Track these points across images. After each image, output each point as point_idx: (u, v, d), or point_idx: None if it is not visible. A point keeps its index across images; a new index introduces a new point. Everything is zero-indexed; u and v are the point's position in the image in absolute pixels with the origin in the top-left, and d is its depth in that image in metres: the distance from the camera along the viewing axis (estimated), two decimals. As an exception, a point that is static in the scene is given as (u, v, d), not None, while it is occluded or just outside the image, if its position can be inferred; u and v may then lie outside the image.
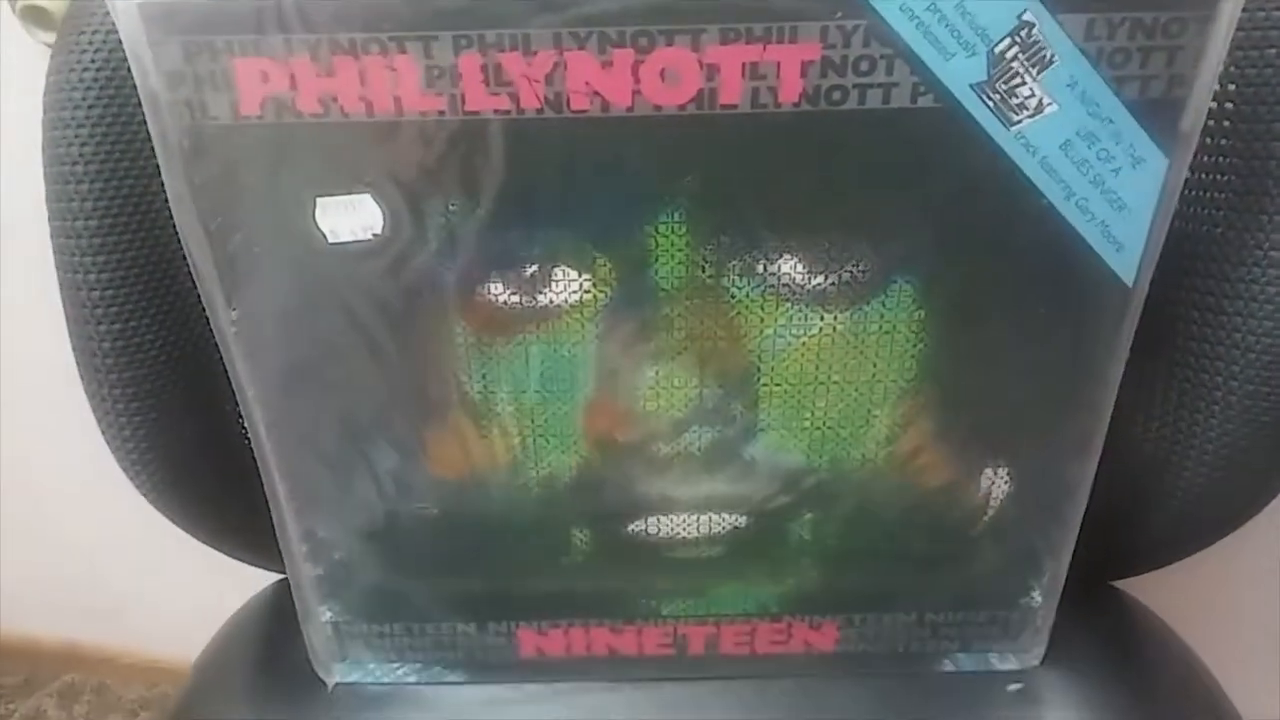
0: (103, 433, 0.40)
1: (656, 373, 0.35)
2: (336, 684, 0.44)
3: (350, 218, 0.31)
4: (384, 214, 0.31)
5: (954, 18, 0.28)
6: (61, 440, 0.40)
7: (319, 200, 0.31)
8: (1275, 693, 0.65)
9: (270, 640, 0.48)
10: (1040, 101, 0.29)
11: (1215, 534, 0.43)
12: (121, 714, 0.97)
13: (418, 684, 0.44)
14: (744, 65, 0.29)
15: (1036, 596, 0.41)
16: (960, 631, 0.43)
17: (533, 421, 0.36)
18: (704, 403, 0.36)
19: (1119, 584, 0.50)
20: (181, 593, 0.74)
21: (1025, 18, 0.28)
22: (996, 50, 0.29)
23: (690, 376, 0.35)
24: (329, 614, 0.42)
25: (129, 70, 0.29)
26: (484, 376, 0.35)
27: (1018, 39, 0.29)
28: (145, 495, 0.42)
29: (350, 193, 0.31)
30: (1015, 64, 0.29)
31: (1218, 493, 0.40)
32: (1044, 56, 0.29)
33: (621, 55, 0.29)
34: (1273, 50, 0.33)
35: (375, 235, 0.32)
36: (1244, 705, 0.45)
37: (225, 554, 0.47)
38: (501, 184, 0.31)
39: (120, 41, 0.29)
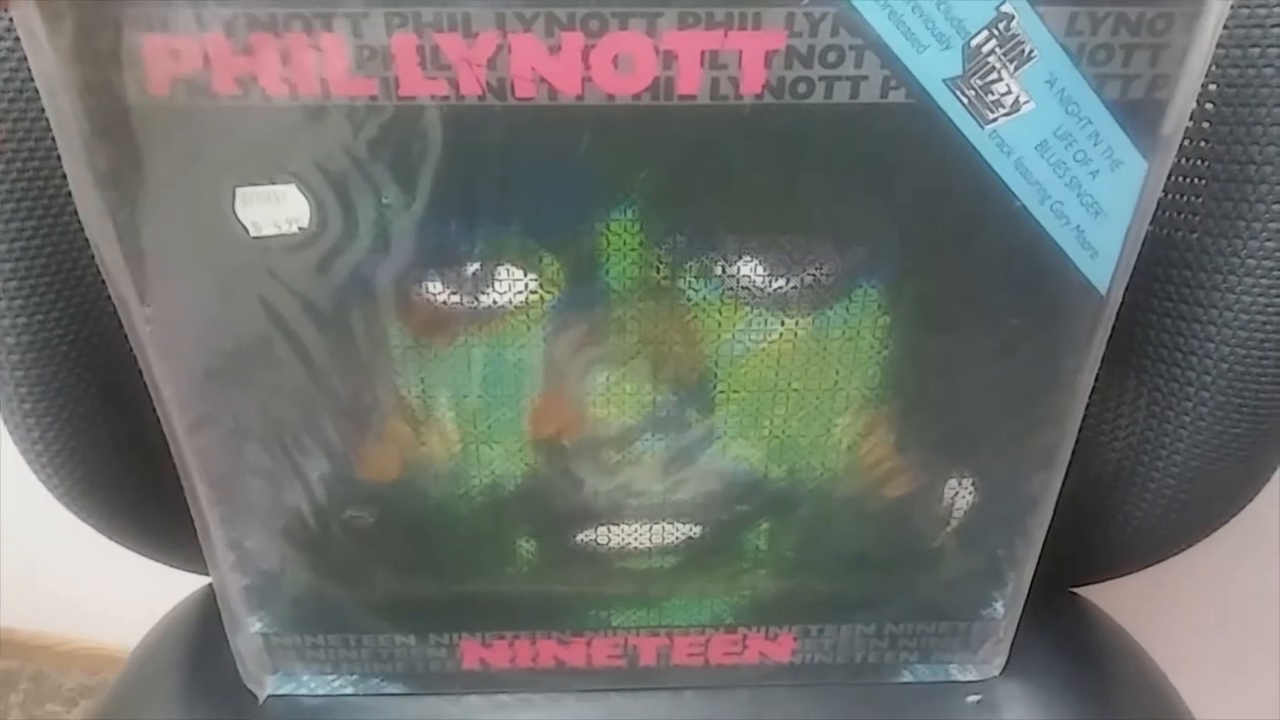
0: (10, 433, 0.37)
1: (607, 378, 0.33)
2: (268, 696, 0.42)
3: (274, 210, 0.29)
4: (311, 206, 0.29)
5: (929, 8, 0.26)
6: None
7: (239, 190, 0.29)
8: (1230, 697, 0.66)
9: (202, 644, 0.45)
10: (1017, 99, 0.28)
11: (1181, 544, 0.42)
12: (60, 702, 0.95)
13: (354, 695, 0.42)
14: (703, 53, 0.27)
15: (999, 608, 0.40)
16: (920, 643, 0.41)
17: (475, 427, 0.34)
18: (657, 410, 0.34)
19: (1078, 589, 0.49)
20: (121, 579, 0.71)
21: (1004, 9, 0.26)
22: (973, 44, 0.27)
23: (643, 382, 0.33)
24: (259, 625, 0.39)
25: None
26: (422, 380, 0.33)
27: (995, 32, 0.27)
28: (60, 500, 0.39)
29: (273, 183, 0.28)
30: (992, 59, 0.27)
31: (1185, 503, 0.39)
32: (1023, 51, 0.27)
33: (571, 39, 0.26)
34: (1256, 49, 0.31)
35: (301, 229, 0.29)
36: (1199, 710, 0.44)
37: (149, 559, 0.45)
38: (439, 176, 0.28)
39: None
